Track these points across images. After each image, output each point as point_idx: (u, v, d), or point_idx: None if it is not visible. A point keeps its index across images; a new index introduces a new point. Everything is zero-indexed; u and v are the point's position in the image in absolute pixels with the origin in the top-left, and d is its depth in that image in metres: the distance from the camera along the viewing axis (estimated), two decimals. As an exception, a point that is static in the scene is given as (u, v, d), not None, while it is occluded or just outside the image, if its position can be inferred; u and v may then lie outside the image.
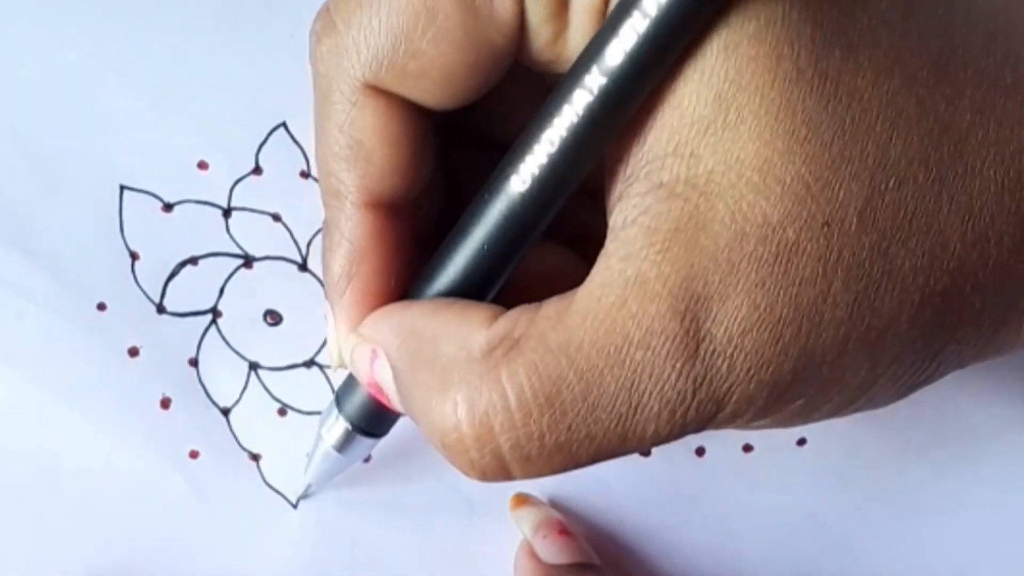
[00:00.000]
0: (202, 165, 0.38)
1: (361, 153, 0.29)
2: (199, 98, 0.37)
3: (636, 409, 0.25)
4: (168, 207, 0.38)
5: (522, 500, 0.40)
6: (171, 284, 0.38)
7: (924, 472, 0.42)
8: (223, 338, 0.38)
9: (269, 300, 0.38)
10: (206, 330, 0.38)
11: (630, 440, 0.26)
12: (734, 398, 0.25)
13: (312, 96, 0.29)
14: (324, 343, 0.39)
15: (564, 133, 0.26)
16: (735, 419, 0.26)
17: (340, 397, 0.33)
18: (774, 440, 0.41)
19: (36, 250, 0.37)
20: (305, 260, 0.38)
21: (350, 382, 0.33)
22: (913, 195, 0.24)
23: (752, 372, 0.25)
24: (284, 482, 0.39)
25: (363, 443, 0.34)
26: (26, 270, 0.37)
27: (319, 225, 0.38)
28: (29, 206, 0.37)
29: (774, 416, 0.26)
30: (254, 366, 0.38)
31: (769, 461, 0.41)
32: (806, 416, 0.27)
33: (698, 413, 0.25)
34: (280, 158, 0.38)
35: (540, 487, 0.40)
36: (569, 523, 0.39)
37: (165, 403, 0.38)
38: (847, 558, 0.41)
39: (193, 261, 0.38)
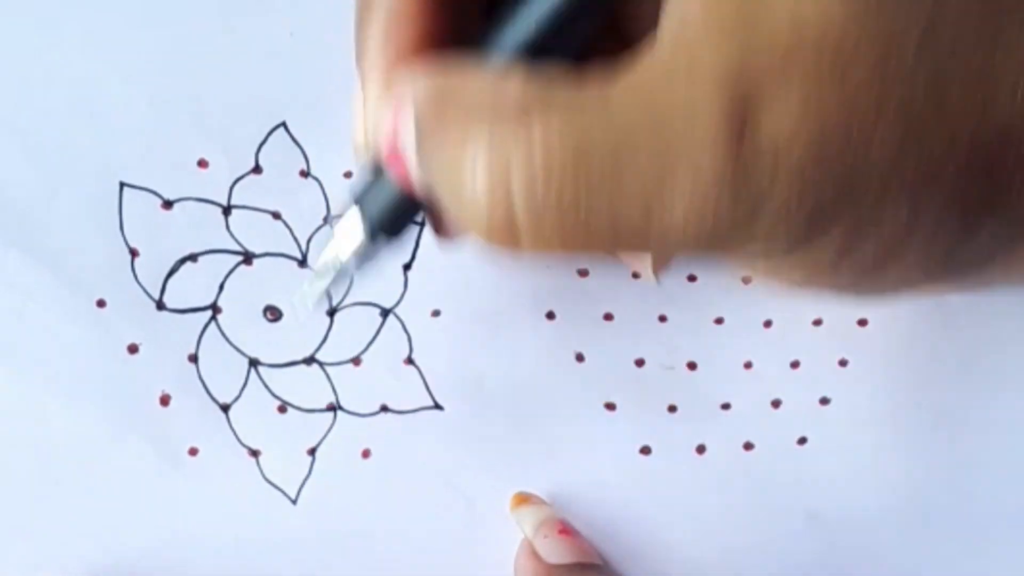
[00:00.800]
0: (202, 163, 0.38)
1: None
2: (199, 97, 0.38)
3: (666, 180, 0.24)
4: (168, 204, 0.38)
5: (523, 499, 0.40)
6: (171, 281, 0.38)
7: (925, 472, 0.42)
8: (223, 334, 0.39)
9: (269, 296, 0.39)
10: (206, 326, 0.39)
11: (653, 221, 0.24)
12: (772, 205, 0.24)
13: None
14: (324, 340, 0.39)
15: None
16: (768, 239, 0.25)
17: (359, 199, 0.31)
18: (775, 438, 0.42)
19: (36, 247, 0.38)
20: (305, 257, 0.39)
21: (374, 182, 0.31)
22: (971, 33, 0.24)
23: (795, 180, 0.24)
24: (283, 478, 0.39)
25: (380, 248, 0.31)
26: (26, 267, 0.38)
27: (319, 223, 0.39)
28: (29, 203, 0.37)
29: (805, 250, 0.25)
30: (254, 362, 0.39)
31: (770, 460, 0.41)
32: (835, 264, 0.26)
33: (732, 210, 0.24)
34: (280, 157, 0.39)
35: (541, 486, 0.41)
36: (570, 522, 0.40)
37: (165, 400, 0.39)
38: (848, 558, 0.42)
39: (193, 258, 0.39)
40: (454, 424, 0.40)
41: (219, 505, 0.39)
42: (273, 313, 0.39)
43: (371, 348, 0.40)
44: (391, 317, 0.40)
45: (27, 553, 0.38)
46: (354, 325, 0.40)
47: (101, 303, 0.38)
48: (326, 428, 0.39)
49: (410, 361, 0.40)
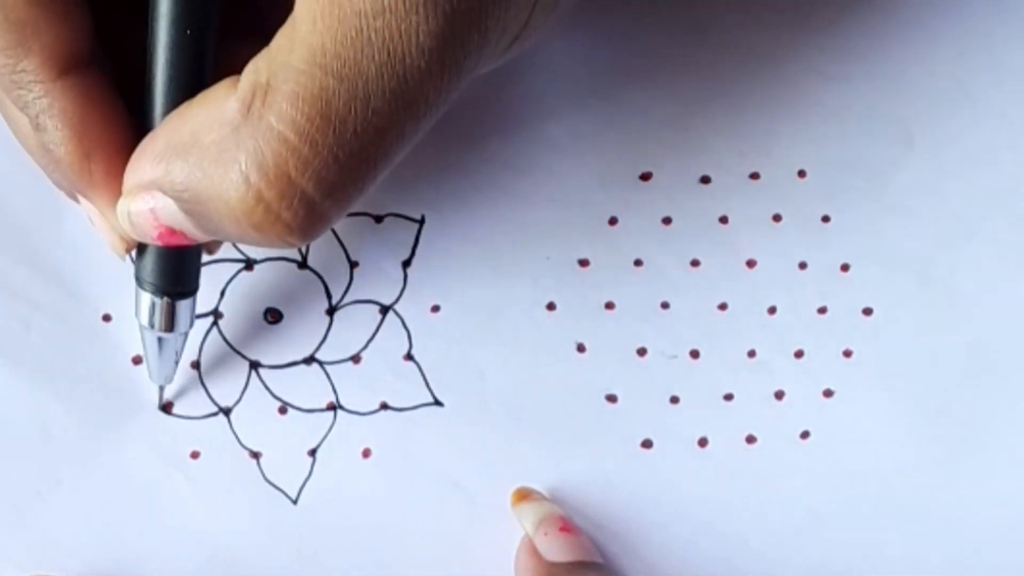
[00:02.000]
0: None
1: (27, 31, 0.29)
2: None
3: (403, 70, 0.27)
4: None
5: (523, 495, 0.41)
6: (175, 291, 0.40)
7: (927, 468, 0.43)
8: (224, 339, 0.40)
9: (269, 299, 0.40)
10: (208, 332, 0.40)
11: (415, 103, 0.27)
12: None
13: None
14: (324, 339, 0.40)
15: None
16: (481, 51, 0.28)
17: (138, 277, 0.34)
18: (777, 433, 0.43)
19: (44, 263, 0.38)
20: (305, 258, 0.40)
21: (140, 257, 0.34)
22: None
23: None
24: (284, 479, 0.40)
25: (182, 307, 0.35)
26: (33, 282, 0.38)
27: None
28: (38, 222, 0.38)
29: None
30: (255, 365, 0.40)
31: (772, 454, 0.42)
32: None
33: (458, 44, 0.27)
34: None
35: (541, 480, 0.42)
36: (571, 518, 0.41)
37: (167, 407, 0.40)
38: (848, 553, 0.43)
39: None
40: (454, 420, 0.41)
41: (221, 507, 0.40)
42: (274, 315, 0.40)
43: (371, 345, 0.41)
44: (390, 314, 0.41)
45: (30, 554, 0.39)
46: (354, 323, 0.40)
47: (107, 317, 0.39)
48: (326, 428, 0.41)
49: (410, 357, 0.41)
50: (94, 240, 0.38)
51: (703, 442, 0.42)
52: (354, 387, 0.41)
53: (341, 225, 0.40)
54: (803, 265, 0.42)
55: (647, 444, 0.42)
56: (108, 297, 0.39)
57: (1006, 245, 0.43)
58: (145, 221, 0.31)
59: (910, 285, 0.43)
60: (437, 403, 0.41)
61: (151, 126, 0.31)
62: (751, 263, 0.42)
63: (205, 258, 0.39)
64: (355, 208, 0.29)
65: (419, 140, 0.29)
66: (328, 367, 0.41)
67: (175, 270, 0.34)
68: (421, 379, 0.41)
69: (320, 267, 0.40)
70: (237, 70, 0.28)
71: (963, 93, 0.42)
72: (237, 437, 0.40)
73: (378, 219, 0.40)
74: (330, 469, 0.41)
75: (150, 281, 0.34)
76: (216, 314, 0.40)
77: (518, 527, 0.41)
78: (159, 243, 0.32)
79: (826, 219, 0.42)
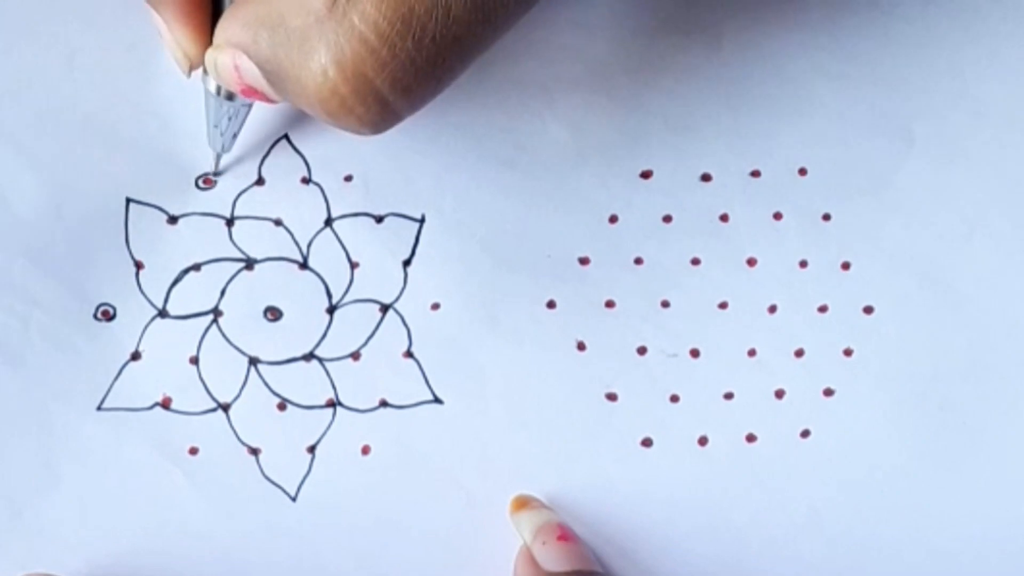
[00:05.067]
0: (207, 180, 0.40)
1: None
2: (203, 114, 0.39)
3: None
4: (173, 220, 0.40)
5: (522, 503, 0.41)
6: (174, 290, 0.40)
7: (927, 467, 0.43)
8: (224, 336, 0.40)
9: (270, 298, 0.41)
10: (207, 330, 0.40)
11: (494, 12, 0.29)
12: None
13: None
14: (324, 336, 0.41)
15: None
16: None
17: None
18: (777, 432, 0.43)
19: (43, 258, 0.39)
20: (306, 259, 0.41)
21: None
22: None
23: None
24: (283, 475, 0.41)
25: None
26: (33, 279, 0.39)
27: (320, 226, 0.41)
28: (37, 217, 0.39)
29: None
30: (254, 361, 0.41)
31: (772, 453, 0.43)
32: None
33: None
34: (281, 167, 0.40)
35: (540, 479, 0.42)
36: (569, 524, 0.41)
37: (166, 402, 0.40)
38: (849, 553, 0.43)
39: (196, 267, 0.40)
40: (453, 418, 0.42)
41: (219, 503, 0.41)
42: (273, 314, 0.41)
43: (370, 343, 0.41)
44: (390, 312, 0.41)
45: (29, 550, 0.40)
46: (353, 321, 0.41)
47: (107, 315, 0.40)
48: (326, 425, 0.41)
49: (409, 354, 0.42)
50: (94, 237, 0.39)
51: (703, 441, 0.43)
52: (353, 384, 0.41)
53: (342, 226, 0.41)
54: (804, 263, 0.43)
55: (647, 443, 0.43)
56: (108, 294, 0.40)
57: (1006, 244, 0.43)
58: (229, 75, 0.33)
59: (911, 283, 0.43)
60: (437, 401, 0.42)
61: None
62: (752, 261, 0.43)
63: (205, 258, 0.40)
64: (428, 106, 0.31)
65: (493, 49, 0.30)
66: (327, 364, 0.41)
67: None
68: (421, 376, 0.42)
69: (321, 268, 0.41)
70: None
71: (963, 93, 0.43)
72: (236, 433, 0.41)
73: (379, 219, 0.41)
74: (329, 466, 0.41)
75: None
76: (216, 312, 0.41)
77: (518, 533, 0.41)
78: (242, 96, 0.34)
79: (827, 217, 0.43)
